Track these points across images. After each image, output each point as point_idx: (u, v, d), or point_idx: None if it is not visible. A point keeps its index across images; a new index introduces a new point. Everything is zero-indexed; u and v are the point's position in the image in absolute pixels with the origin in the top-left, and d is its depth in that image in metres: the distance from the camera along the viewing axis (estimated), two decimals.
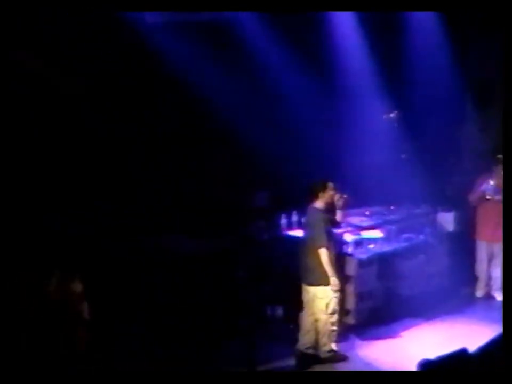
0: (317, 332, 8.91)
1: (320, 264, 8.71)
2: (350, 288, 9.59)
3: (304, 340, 8.98)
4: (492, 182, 10.82)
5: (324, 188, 8.85)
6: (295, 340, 9.21)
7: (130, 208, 10.14)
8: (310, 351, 8.96)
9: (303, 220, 9.95)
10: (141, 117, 10.42)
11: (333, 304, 8.81)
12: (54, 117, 9.67)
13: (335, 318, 8.88)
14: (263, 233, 10.37)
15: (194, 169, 10.83)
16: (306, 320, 8.96)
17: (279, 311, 10.04)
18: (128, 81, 10.20)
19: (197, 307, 9.55)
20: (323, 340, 8.90)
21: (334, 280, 8.70)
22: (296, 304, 9.70)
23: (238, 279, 9.82)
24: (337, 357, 8.94)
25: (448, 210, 11.37)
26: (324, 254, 8.68)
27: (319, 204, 8.89)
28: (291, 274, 9.70)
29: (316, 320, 8.88)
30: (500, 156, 10.82)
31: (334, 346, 8.97)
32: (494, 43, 11.32)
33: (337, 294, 8.83)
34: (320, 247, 8.70)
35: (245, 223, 10.44)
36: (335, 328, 8.92)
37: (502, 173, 10.73)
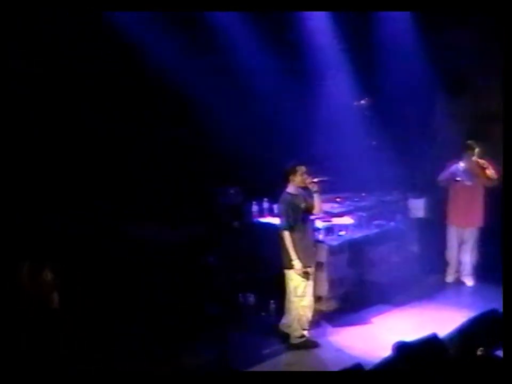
0: (290, 316, 8.97)
1: (286, 247, 8.77)
2: (321, 275, 9.60)
3: (285, 320, 9.06)
4: (461, 164, 10.87)
5: (294, 172, 8.83)
6: (267, 327, 9.29)
7: (102, 199, 10.07)
8: (287, 330, 9.02)
9: (275, 206, 9.98)
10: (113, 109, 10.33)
11: (302, 287, 8.84)
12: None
13: (305, 302, 8.90)
14: (234, 221, 10.36)
15: (166, 160, 10.76)
16: (286, 302, 9.01)
17: (251, 299, 10.05)
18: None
19: (168, 295, 9.52)
20: (294, 325, 8.93)
21: (296, 263, 8.71)
22: (268, 292, 9.75)
23: (209, 267, 9.81)
24: (307, 344, 8.96)
25: (419, 196, 11.45)
26: (285, 237, 8.72)
27: (290, 188, 8.89)
28: (262, 261, 9.73)
29: (290, 303, 8.95)
30: (470, 142, 10.91)
31: (305, 332, 8.99)
32: (465, 31, 11.36)
33: (305, 278, 8.85)
34: (283, 229, 8.74)
35: (217, 212, 10.43)
36: (306, 314, 8.95)
37: (472, 158, 10.84)
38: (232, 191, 10.53)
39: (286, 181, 8.90)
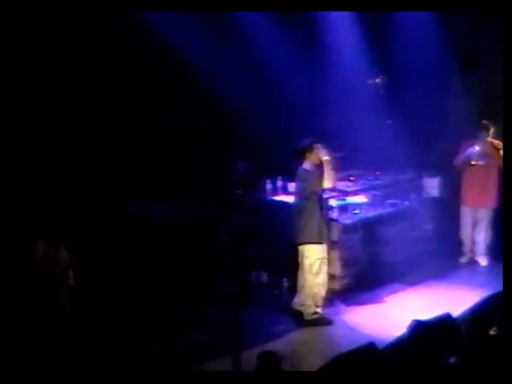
0: (304, 293, 8.99)
1: (307, 221, 8.84)
2: (335, 254, 9.59)
3: (298, 298, 9.11)
4: (477, 148, 10.82)
5: (311, 149, 8.88)
6: (280, 305, 9.34)
7: (115, 176, 10.10)
8: (301, 309, 9.07)
9: (289, 185, 10.01)
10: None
11: (317, 265, 8.90)
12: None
13: (320, 279, 8.95)
14: (247, 199, 10.35)
15: (178, 139, 10.76)
16: (299, 280, 9.07)
17: (264, 277, 10.06)
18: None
19: (181, 273, 9.55)
20: (308, 301, 8.99)
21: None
22: (280, 270, 9.77)
23: (221, 245, 9.82)
24: (321, 320, 9.02)
25: (433, 175, 11.39)
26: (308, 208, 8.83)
27: (307, 165, 8.93)
28: (276, 239, 9.73)
29: (304, 280, 8.98)
30: (485, 122, 10.85)
31: (319, 309, 9.02)
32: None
33: (321, 256, 8.90)
34: (304, 201, 8.83)
35: (229, 189, 10.42)
36: (320, 291, 9.00)
37: (487, 138, 10.79)
38: (241, 166, 10.52)
39: (302, 158, 8.94)
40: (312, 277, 8.92)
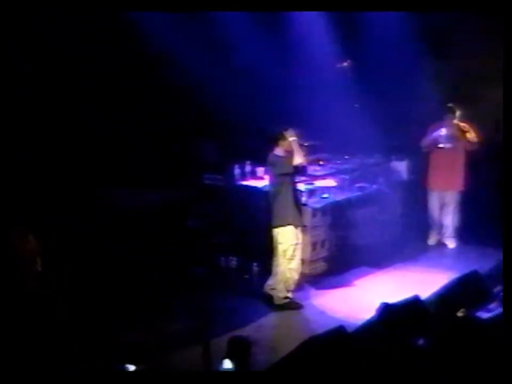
0: (277, 277, 9.04)
1: (282, 205, 8.84)
2: (304, 238, 9.60)
3: (270, 281, 9.13)
4: (443, 130, 10.88)
5: (283, 136, 8.89)
6: (250, 290, 9.37)
7: (83, 163, 10.05)
8: (272, 293, 9.10)
9: (258, 169, 10.01)
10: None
11: (291, 250, 8.91)
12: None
13: (293, 265, 8.98)
14: (216, 184, 10.34)
15: (145, 121, 10.72)
16: (273, 264, 9.08)
17: (233, 262, 10.06)
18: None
19: (150, 259, 9.50)
20: (280, 286, 9.01)
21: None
22: (250, 254, 9.77)
23: (191, 230, 9.80)
24: (292, 305, 9.05)
25: (401, 159, 11.46)
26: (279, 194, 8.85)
27: (279, 151, 8.94)
28: (245, 224, 9.73)
29: (277, 265, 9.02)
30: (451, 104, 10.91)
31: (290, 294, 9.06)
32: None
33: (295, 242, 8.93)
34: (277, 188, 8.86)
35: (198, 174, 10.40)
36: (293, 276, 9.03)
37: (453, 121, 10.87)
38: (209, 149, 10.51)
39: (275, 145, 8.95)
40: (286, 262, 8.94)
